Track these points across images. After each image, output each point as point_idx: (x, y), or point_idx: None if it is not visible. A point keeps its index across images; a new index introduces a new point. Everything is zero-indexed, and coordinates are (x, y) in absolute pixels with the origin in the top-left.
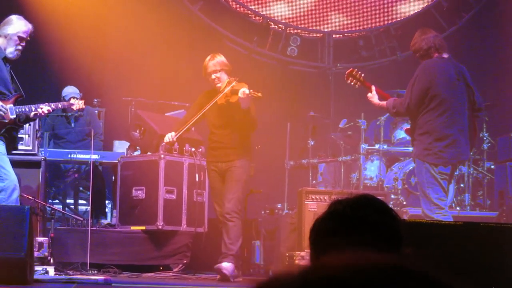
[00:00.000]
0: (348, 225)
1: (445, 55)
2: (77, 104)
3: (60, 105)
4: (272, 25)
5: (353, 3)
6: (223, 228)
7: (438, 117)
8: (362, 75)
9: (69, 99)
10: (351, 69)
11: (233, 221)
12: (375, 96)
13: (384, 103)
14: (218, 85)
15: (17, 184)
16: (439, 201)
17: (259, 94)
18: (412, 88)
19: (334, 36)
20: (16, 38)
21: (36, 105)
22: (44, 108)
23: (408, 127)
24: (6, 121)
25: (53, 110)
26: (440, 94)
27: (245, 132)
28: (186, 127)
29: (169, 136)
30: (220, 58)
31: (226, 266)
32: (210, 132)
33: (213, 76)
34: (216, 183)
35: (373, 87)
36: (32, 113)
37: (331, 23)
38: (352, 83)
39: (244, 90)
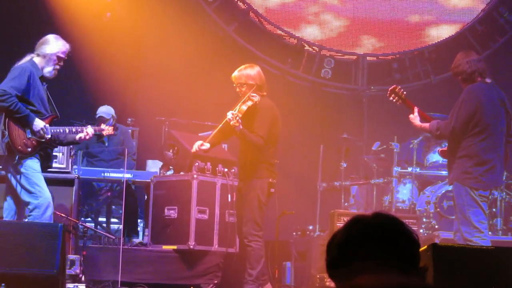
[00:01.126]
0: (371, 229)
1: (488, 80)
2: (107, 130)
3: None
4: (306, 47)
5: (384, 26)
6: (244, 251)
7: (480, 142)
8: (404, 93)
9: (98, 118)
10: (394, 86)
11: (251, 245)
12: (417, 117)
13: (426, 125)
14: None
15: (51, 202)
16: (479, 224)
17: (234, 121)
18: (458, 111)
19: (368, 58)
20: (54, 58)
21: (69, 127)
22: (89, 132)
23: (441, 149)
24: (43, 140)
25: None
26: (485, 119)
27: (258, 150)
28: (211, 136)
29: (196, 147)
30: (247, 71)
31: None
32: None
33: (237, 90)
34: (238, 203)
35: (415, 108)
36: (77, 137)
37: (363, 46)
38: (394, 100)
39: (228, 114)
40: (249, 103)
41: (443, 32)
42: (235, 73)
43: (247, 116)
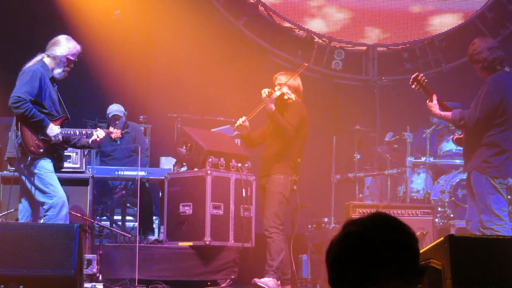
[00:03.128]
0: (362, 245)
1: (507, 69)
2: (115, 133)
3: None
4: (316, 39)
5: (387, 17)
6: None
7: (501, 132)
8: (426, 80)
9: (112, 116)
10: (416, 73)
11: (272, 237)
12: (437, 105)
13: (448, 113)
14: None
15: (66, 201)
16: (500, 211)
17: (276, 91)
18: (483, 102)
19: (378, 49)
20: (64, 60)
21: (80, 129)
22: (100, 134)
23: (455, 136)
24: (54, 141)
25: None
26: (509, 110)
27: (282, 144)
28: (255, 112)
29: (240, 121)
30: (285, 77)
31: (263, 280)
32: None
33: (275, 88)
34: (261, 197)
35: (434, 96)
36: (90, 140)
37: (368, 38)
38: (416, 88)
39: (264, 90)
40: (284, 90)
41: (446, 20)
42: (280, 76)
43: (279, 107)
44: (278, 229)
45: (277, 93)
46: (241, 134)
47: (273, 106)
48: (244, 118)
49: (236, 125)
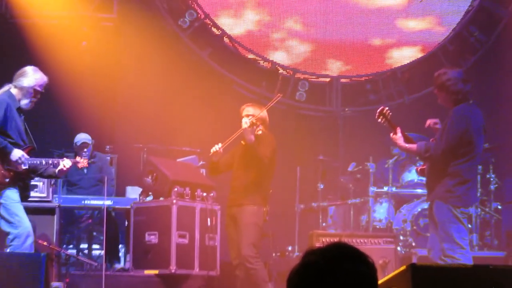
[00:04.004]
0: (322, 276)
1: (471, 101)
2: (82, 162)
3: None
4: (280, 70)
5: (348, 50)
6: (246, 275)
7: (464, 163)
8: (390, 113)
9: (81, 144)
10: (382, 107)
11: (255, 267)
12: (401, 137)
13: (414, 146)
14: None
15: (31, 231)
16: (462, 240)
17: (257, 124)
18: (447, 133)
19: (342, 80)
20: (31, 91)
21: (46, 158)
22: (67, 164)
23: (419, 167)
24: (20, 171)
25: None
26: (474, 141)
27: (258, 176)
28: (230, 140)
29: (216, 147)
30: (253, 109)
31: None
32: (231, 178)
33: (244, 121)
34: (230, 227)
35: (398, 129)
36: (57, 170)
37: (329, 70)
38: (382, 121)
39: (245, 120)
40: (259, 128)
41: (405, 53)
42: (248, 107)
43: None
44: (257, 258)
45: (246, 120)
46: (212, 160)
47: (253, 137)
48: (220, 145)
49: (212, 151)
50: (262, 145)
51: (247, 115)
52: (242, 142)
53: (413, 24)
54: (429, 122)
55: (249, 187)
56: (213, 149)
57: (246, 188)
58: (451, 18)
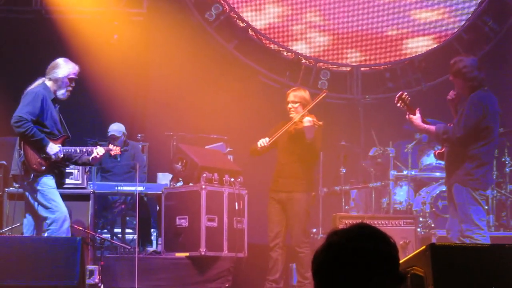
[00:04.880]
0: (345, 255)
1: (486, 88)
2: (114, 150)
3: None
4: (303, 60)
5: (365, 41)
6: (294, 259)
7: (482, 147)
8: (409, 98)
9: (110, 136)
10: (401, 92)
11: (303, 251)
12: (419, 118)
13: (432, 127)
14: (292, 115)
15: (68, 216)
16: (480, 221)
17: (320, 123)
18: (466, 118)
19: (362, 69)
20: (66, 80)
21: (80, 147)
22: (100, 152)
23: (437, 151)
24: (56, 159)
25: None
26: (491, 126)
27: (307, 163)
28: (276, 135)
29: (264, 141)
30: (301, 92)
31: None
32: (276, 161)
33: (289, 106)
34: (274, 210)
35: (418, 110)
36: (91, 158)
37: (348, 60)
38: (401, 106)
39: (309, 119)
40: (320, 123)
41: (420, 43)
42: (292, 93)
43: (297, 128)
44: (308, 243)
45: (310, 118)
46: (255, 149)
47: (313, 135)
48: (267, 139)
49: (259, 144)
50: (317, 140)
51: (294, 101)
52: (289, 130)
53: (426, 15)
54: (451, 93)
55: (299, 175)
56: (260, 143)
57: (296, 176)
58: (462, 8)
